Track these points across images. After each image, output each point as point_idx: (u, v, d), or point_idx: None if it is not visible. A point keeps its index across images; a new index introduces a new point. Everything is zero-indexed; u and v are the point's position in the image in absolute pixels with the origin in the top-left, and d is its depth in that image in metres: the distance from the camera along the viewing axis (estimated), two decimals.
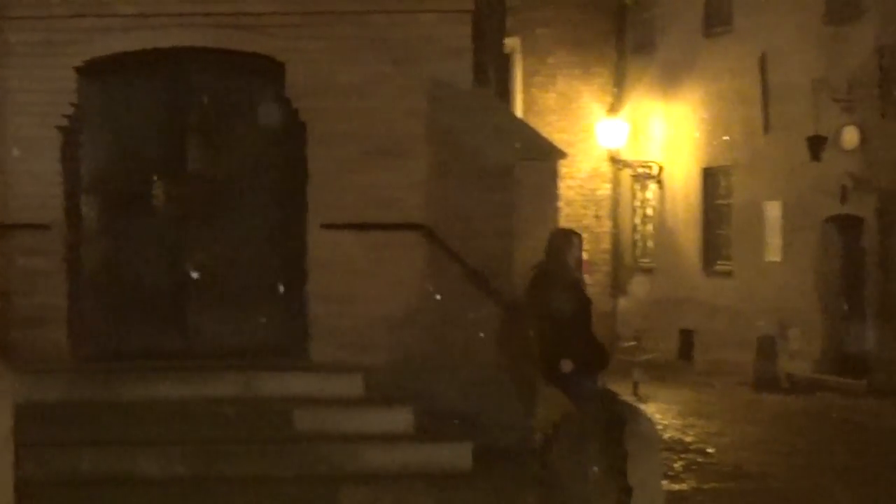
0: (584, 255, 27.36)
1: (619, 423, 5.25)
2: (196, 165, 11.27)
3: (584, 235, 27.74)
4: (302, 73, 10.89)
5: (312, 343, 10.96)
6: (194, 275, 11.17)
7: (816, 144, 20.19)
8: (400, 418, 10.14)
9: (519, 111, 26.41)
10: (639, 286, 27.35)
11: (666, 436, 14.94)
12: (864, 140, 19.65)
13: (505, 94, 20.12)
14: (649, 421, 5.78)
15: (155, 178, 11.29)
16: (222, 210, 11.27)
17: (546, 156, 11.00)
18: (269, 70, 11.08)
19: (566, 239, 10.01)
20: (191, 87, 11.33)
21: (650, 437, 5.69)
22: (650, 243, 27.70)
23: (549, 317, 9.53)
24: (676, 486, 11.44)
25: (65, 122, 11.12)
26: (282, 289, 11.31)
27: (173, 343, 11.12)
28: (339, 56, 10.94)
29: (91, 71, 11.16)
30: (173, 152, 11.27)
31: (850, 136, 19.88)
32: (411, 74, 10.90)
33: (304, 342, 11.04)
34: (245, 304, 11.28)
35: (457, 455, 9.70)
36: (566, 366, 9.51)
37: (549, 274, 9.72)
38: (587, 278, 26.92)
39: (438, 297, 10.71)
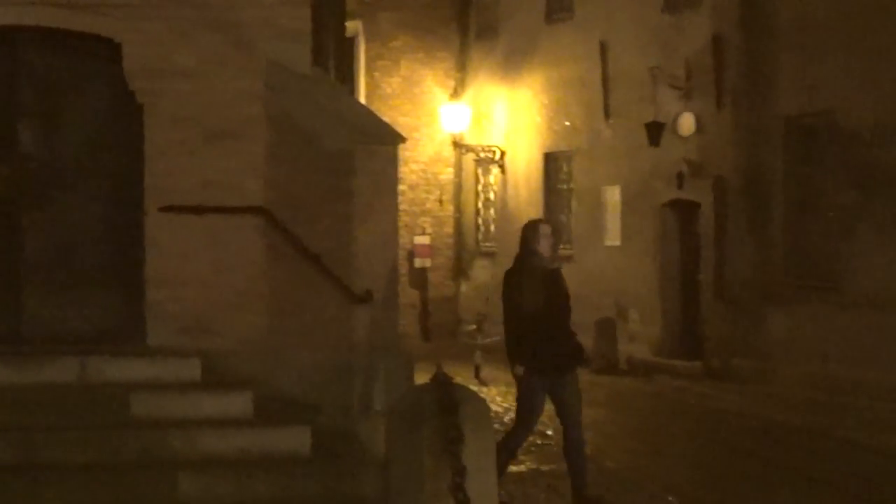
0: (427, 240, 27.95)
1: (452, 405, 5.28)
2: (29, 147, 10.97)
3: (427, 220, 28.42)
4: (139, 55, 10.67)
5: (150, 327, 10.76)
6: (28, 258, 10.92)
7: (654, 130, 20.59)
8: (238, 403, 10.05)
9: (362, 95, 26.43)
10: (481, 270, 27.56)
11: (506, 418, 15.09)
12: (700, 127, 20.08)
13: (347, 78, 20.03)
14: (483, 403, 5.83)
15: None
16: (57, 192, 10.98)
17: (386, 140, 11.01)
18: (106, 51, 10.84)
19: (533, 229, 10.11)
20: (24, 67, 11.01)
21: (484, 419, 5.73)
22: (492, 227, 27.92)
23: (520, 309, 9.63)
24: (515, 468, 11.58)
25: None
26: (118, 273, 11.13)
27: (7, 328, 10.80)
28: (176, 37, 10.76)
29: None
30: (4, 133, 10.95)
31: (687, 123, 20.30)
32: (250, 57, 10.79)
33: (141, 327, 10.85)
34: (81, 289, 11.02)
35: (296, 439, 9.65)
36: (517, 370, 9.70)
37: (521, 268, 9.83)
38: (427, 262, 27.35)
39: (278, 281, 10.66)
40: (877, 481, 11.43)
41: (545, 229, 10.16)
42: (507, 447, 10.21)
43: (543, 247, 9.88)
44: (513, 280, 10.00)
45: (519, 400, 10.35)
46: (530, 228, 10.20)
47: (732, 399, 17.18)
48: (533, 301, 9.74)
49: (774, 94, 18.67)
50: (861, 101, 16.51)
